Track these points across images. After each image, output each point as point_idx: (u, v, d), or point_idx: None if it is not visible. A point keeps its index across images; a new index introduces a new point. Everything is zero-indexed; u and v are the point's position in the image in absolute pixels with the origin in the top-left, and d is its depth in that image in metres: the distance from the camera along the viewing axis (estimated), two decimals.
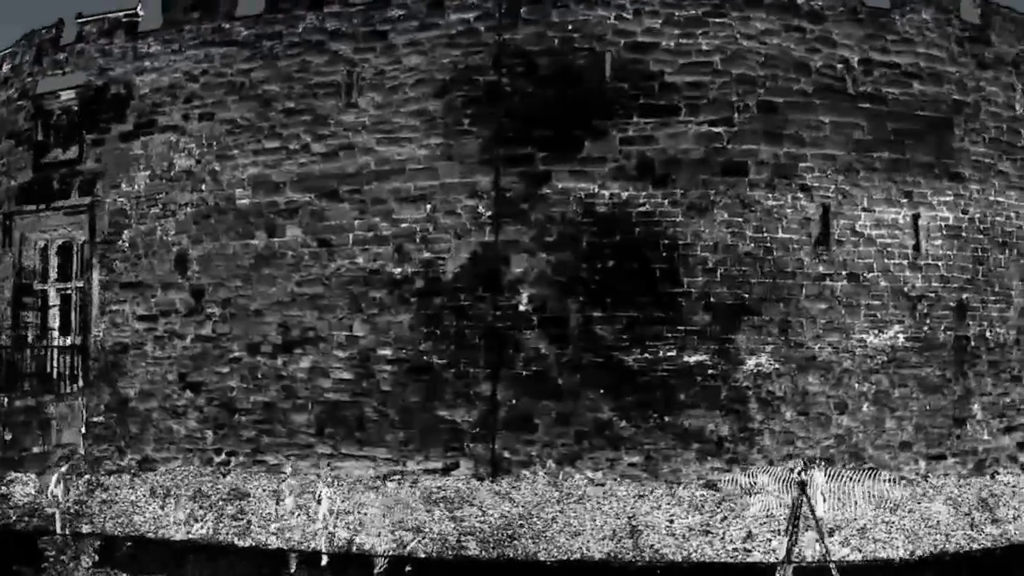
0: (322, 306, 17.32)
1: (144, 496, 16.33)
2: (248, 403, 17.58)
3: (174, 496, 16.16)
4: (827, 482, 14.62)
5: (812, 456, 16.49)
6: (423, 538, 14.50)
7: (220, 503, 15.59)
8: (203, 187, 18.31)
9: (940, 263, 17.89)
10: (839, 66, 17.34)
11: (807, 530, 13.34)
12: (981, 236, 18.43)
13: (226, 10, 18.46)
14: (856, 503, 14.57)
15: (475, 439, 16.27)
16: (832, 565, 12.37)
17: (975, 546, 15.04)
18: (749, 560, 14.11)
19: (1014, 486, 17.26)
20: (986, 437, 18.03)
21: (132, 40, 19.21)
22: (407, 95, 17.17)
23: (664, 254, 16.43)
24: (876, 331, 17.17)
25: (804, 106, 17.03)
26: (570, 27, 16.74)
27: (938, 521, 15.16)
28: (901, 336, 17.38)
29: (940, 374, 17.63)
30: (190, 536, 15.33)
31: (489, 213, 16.62)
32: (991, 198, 18.64)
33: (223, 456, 17.64)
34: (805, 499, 12.53)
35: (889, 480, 15.41)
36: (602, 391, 16.21)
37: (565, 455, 16.10)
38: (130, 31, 19.28)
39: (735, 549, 14.22)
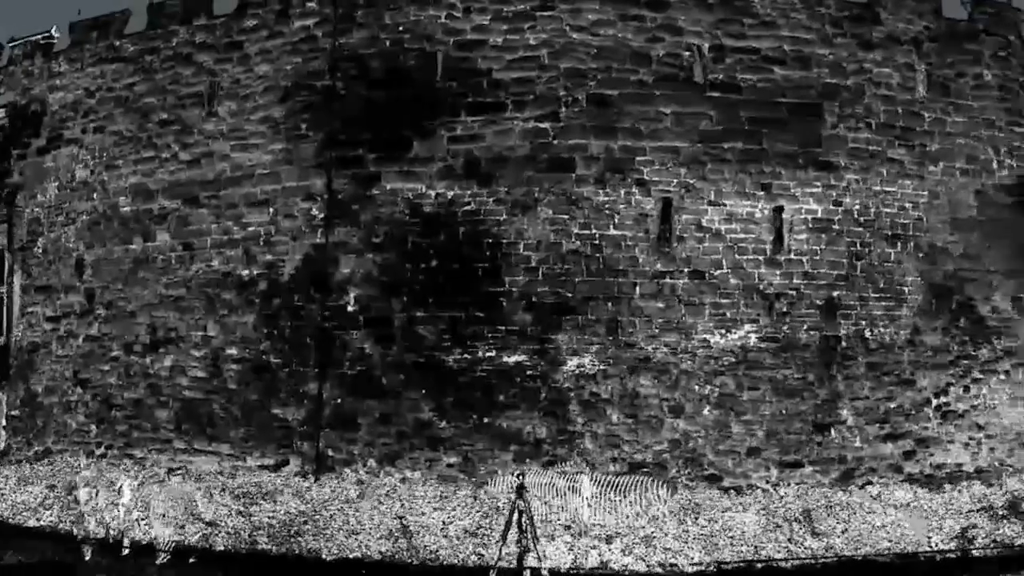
0: (183, 307, 18.09)
1: (12, 485, 17.61)
2: (122, 399, 18.58)
3: (37, 485, 17.36)
4: (595, 489, 14.11)
5: (642, 460, 15.92)
6: (219, 531, 14.99)
7: (63, 493, 16.63)
8: (95, 196, 19.49)
9: (805, 259, 16.81)
10: (686, 54, 16.61)
11: (552, 535, 12.99)
12: (861, 229, 17.18)
13: (117, 28, 19.57)
14: (625, 512, 13.99)
15: (303, 437, 16.61)
16: (544, 571, 12.01)
17: (793, 560, 14.20)
18: (525, 565, 13.85)
19: (877, 496, 16.02)
20: (858, 444, 16.77)
21: (47, 61, 20.64)
22: (257, 103, 17.71)
23: (487, 253, 16.24)
24: (723, 331, 16.34)
25: (642, 98, 16.42)
26: (401, 28, 16.81)
27: (743, 532, 14.33)
28: (753, 336, 16.45)
29: (800, 377, 16.57)
30: (40, 523, 16.46)
31: (322, 215, 16.93)
32: (876, 188, 17.33)
33: (102, 449, 18.71)
34: (523, 503, 12.21)
35: (661, 488, 14.65)
36: (424, 391, 16.20)
37: (386, 454, 16.19)
38: (46, 53, 20.73)
39: (508, 554, 13.96)
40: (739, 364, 16.37)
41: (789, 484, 16.06)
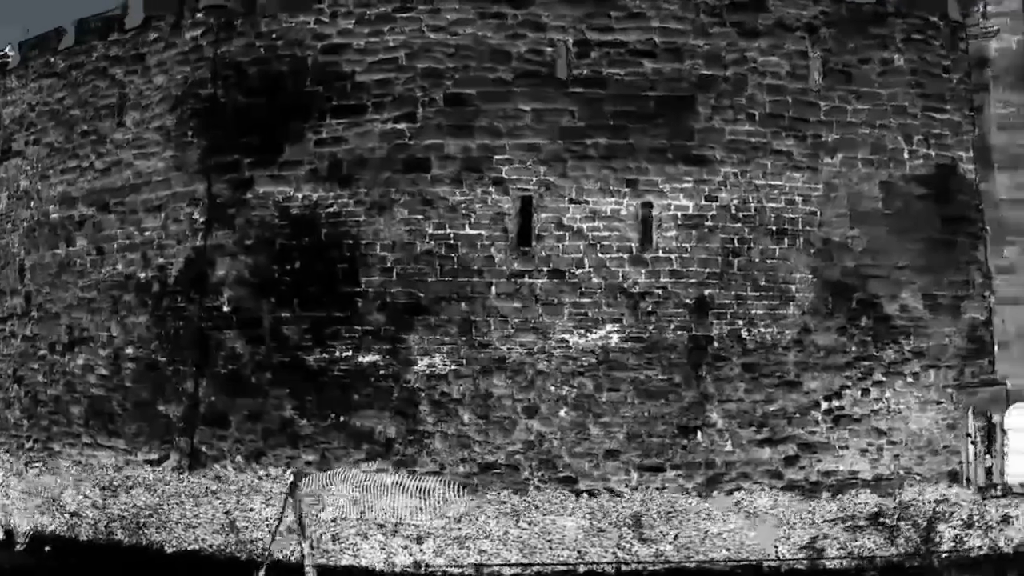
0: (94, 309, 19.00)
1: None
2: (46, 396, 19.67)
3: None
4: (397, 488, 14.09)
5: (494, 461, 15.80)
6: (82, 522, 15.76)
7: None
8: (32, 204, 20.69)
9: (673, 256, 16.29)
10: (549, 50, 16.37)
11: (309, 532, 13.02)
12: (739, 224, 16.52)
13: (53, 46, 20.71)
14: (427, 512, 13.93)
15: (181, 433, 17.20)
16: (309, 568, 12.12)
17: (622, 566, 13.88)
18: (343, 563, 14.02)
19: (736, 503, 15.38)
20: (729, 449, 16.12)
21: (2, 78, 22.04)
22: (154, 112, 18.44)
23: (347, 254, 16.44)
24: (583, 331, 16.02)
25: (501, 96, 16.28)
26: (274, 35, 17.19)
27: (563, 536, 14.05)
28: (615, 336, 16.07)
29: (665, 378, 16.07)
30: None
31: (202, 219, 17.49)
32: (759, 181, 16.63)
33: (30, 443, 19.86)
34: (293, 501, 12.37)
35: (460, 489, 14.45)
36: (288, 390, 16.52)
37: (252, 451, 16.59)
38: (2, 71, 22.13)
39: (326, 550, 14.14)
40: (599, 365, 16.01)
41: (647, 488, 15.66)
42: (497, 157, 16.23)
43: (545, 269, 16.11)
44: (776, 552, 14.33)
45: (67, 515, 15.73)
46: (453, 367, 15.96)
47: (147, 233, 18.28)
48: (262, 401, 16.67)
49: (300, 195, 16.77)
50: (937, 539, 14.84)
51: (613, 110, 16.31)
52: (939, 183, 17.83)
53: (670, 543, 14.14)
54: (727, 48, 16.68)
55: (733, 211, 16.53)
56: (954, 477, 17.31)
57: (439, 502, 14.21)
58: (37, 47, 21.12)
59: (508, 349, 15.96)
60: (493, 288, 16.08)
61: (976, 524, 15.35)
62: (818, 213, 16.95)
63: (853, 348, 16.96)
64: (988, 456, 18.05)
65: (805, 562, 14.26)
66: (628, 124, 16.30)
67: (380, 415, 16.01)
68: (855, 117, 17.29)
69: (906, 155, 17.57)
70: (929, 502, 15.88)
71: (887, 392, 17.08)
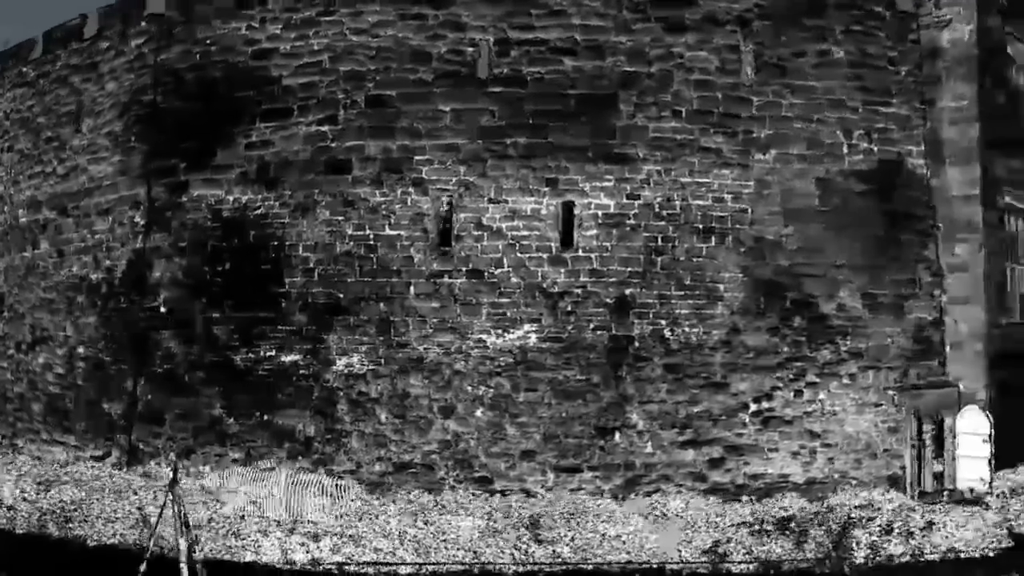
0: (54, 309, 19.64)
1: None
2: (12, 393, 20.39)
3: None
4: (288, 486, 14.21)
5: (409, 461, 15.86)
6: (17, 515, 16.26)
7: None
8: (5, 209, 21.47)
9: (594, 256, 16.13)
10: (469, 50, 16.37)
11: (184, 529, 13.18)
12: (663, 223, 16.28)
13: (24, 56, 21.46)
14: (311, 510, 14.02)
15: (122, 430, 17.67)
16: (183, 565, 12.30)
17: (516, 566, 13.80)
18: (247, 559, 14.20)
19: (651, 505, 15.13)
20: (649, 450, 15.89)
21: None
22: (106, 118, 18.97)
23: (273, 255, 16.67)
24: (500, 331, 15.97)
25: (421, 96, 16.33)
26: (209, 42, 17.52)
27: (458, 536, 14.02)
28: (534, 336, 15.98)
29: (583, 378, 15.92)
30: None
31: (143, 222, 17.92)
32: (685, 179, 16.36)
33: None
34: (173, 496, 12.57)
35: (344, 488, 14.47)
36: (218, 389, 16.83)
37: (184, 449, 16.94)
38: None
39: (229, 547, 14.34)
40: (517, 365, 15.94)
41: (562, 489, 15.55)
42: (417, 158, 16.29)
43: (464, 269, 16.12)
44: (679, 555, 14.07)
45: (4, 508, 16.30)
46: (371, 367, 16.07)
47: (97, 236, 18.83)
48: (194, 400, 17.02)
49: (231, 198, 17.08)
50: (851, 545, 14.39)
51: (533, 109, 16.23)
52: (882, 179, 17.31)
53: (567, 544, 14.00)
54: (652, 44, 16.45)
55: (657, 209, 16.29)
56: (894, 482, 16.82)
57: (331, 500, 14.32)
58: (12, 57, 21.91)
59: (425, 349, 16.01)
60: (412, 288, 16.15)
61: (897, 531, 14.82)
62: (749, 211, 16.61)
63: (786, 348, 16.57)
64: (938, 460, 17.52)
65: (708, 566, 13.98)
66: (548, 123, 16.20)
67: (301, 414, 16.22)
68: (790, 112, 16.89)
69: (845, 150, 17.10)
70: (856, 507, 15.41)
71: (821, 394, 16.65)
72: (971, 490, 16.98)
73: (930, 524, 14.90)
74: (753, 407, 16.33)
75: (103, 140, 18.94)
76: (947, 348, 17.70)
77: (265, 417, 16.43)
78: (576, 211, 16.18)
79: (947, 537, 14.86)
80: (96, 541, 15.25)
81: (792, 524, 14.51)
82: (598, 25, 16.37)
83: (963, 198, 17.78)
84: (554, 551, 13.95)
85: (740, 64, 16.75)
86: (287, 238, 16.61)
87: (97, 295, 18.70)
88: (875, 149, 17.33)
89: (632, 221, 16.22)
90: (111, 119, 18.81)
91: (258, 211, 16.87)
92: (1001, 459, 17.54)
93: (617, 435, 15.87)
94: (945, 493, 16.89)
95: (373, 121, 16.39)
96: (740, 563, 13.90)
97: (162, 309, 17.49)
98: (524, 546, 14.00)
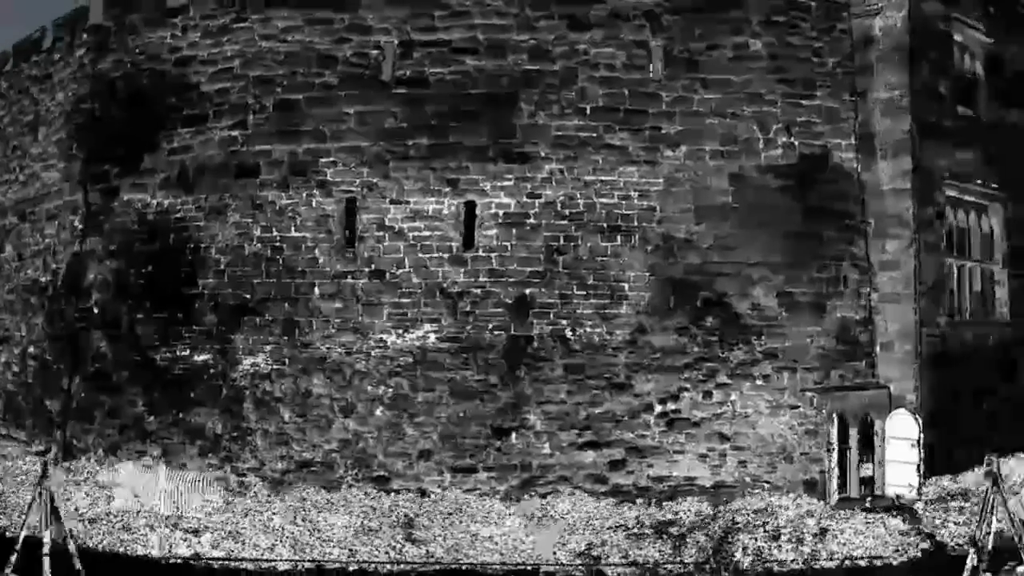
0: (14, 310, 20.52)
1: None
2: None
3: None
4: (169, 482, 14.53)
5: (310, 459, 16.06)
6: None
7: None
8: None
9: (494, 255, 16.06)
10: (374, 53, 16.48)
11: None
12: (565, 222, 16.10)
13: (0, 67, 22.47)
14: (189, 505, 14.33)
15: (59, 427, 18.35)
16: (46, 556, 12.73)
17: (394, 567, 13.89)
18: (138, 552, 14.63)
19: (543, 506, 15.01)
20: (547, 451, 15.73)
21: None
22: (56, 126, 19.73)
23: (189, 257, 17.06)
24: (401, 331, 16.04)
25: (327, 100, 16.50)
26: (139, 51, 18.05)
27: (332, 534, 14.14)
28: (433, 336, 16.00)
29: (481, 379, 15.87)
30: None
31: (81, 227, 18.57)
32: (588, 177, 16.15)
33: None
34: (45, 489, 13.03)
35: (213, 485, 14.68)
36: (140, 387, 17.32)
37: (111, 445, 17.50)
38: None
39: (122, 540, 14.78)
40: (416, 365, 16.00)
41: (458, 489, 15.55)
42: (323, 160, 16.48)
43: (367, 270, 16.25)
44: (555, 557, 13.92)
45: None
46: (276, 366, 16.33)
47: (47, 240, 19.61)
48: (120, 398, 17.57)
49: (155, 202, 17.57)
50: (732, 551, 13.98)
51: (435, 110, 16.26)
52: (803, 174, 16.77)
53: (440, 544, 13.98)
54: (555, 42, 16.30)
55: (559, 208, 16.14)
56: (812, 487, 16.28)
57: (197, 495, 14.64)
58: None
59: (328, 349, 16.19)
60: (316, 289, 16.35)
61: (787, 536, 14.32)
62: (657, 208, 16.31)
63: (695, 349, 16.22)
64: (866, 465, 16.90)
65: (582, 568, 13.78)
66: (449, 123, 16.20)
67: (211, 412, 16.58)
68: (702, 107, 16.52)
69: (761, 145, 16.63)
70: (755, 512, 14.97)
71: (733, 395, 16.24)
72: (898, 497, 16.36)
73: (824, 531, 14.42)
74: (658, 408, 16.02)
75: (52, 148, 19.72)
76: (877, 349, 17.09)
77: (180, 415, 16.86)
78: (477, 211, 16.16)
79: (843, 544, 14.37)
80: (13, 533, 15.96)
81: (672, 528, 14.22)
82: (500, 24, 16.31)
83: (893, 192, 17.11)
84: (427, 551, 13.98)
85: (649, 59, 16.46)
86: (201, 240, 17.01)
87: (44, 296, 19.47)
88: (795, 143, 16.80)
89: (532, 220, 16.10)
90: (59, 127, 19.57)
91: (177, 214, 17.33)
92: (938, 465, 16.89)
93: (513, 436, 15.78)
94: (869, 500, 16.29)
95: (280, 125, 16.65)
96: (616, 566, 13.71)
97: (95, 310, 18.11)
98: (399, 545, 14.07)
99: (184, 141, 17.38)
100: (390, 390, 16.00)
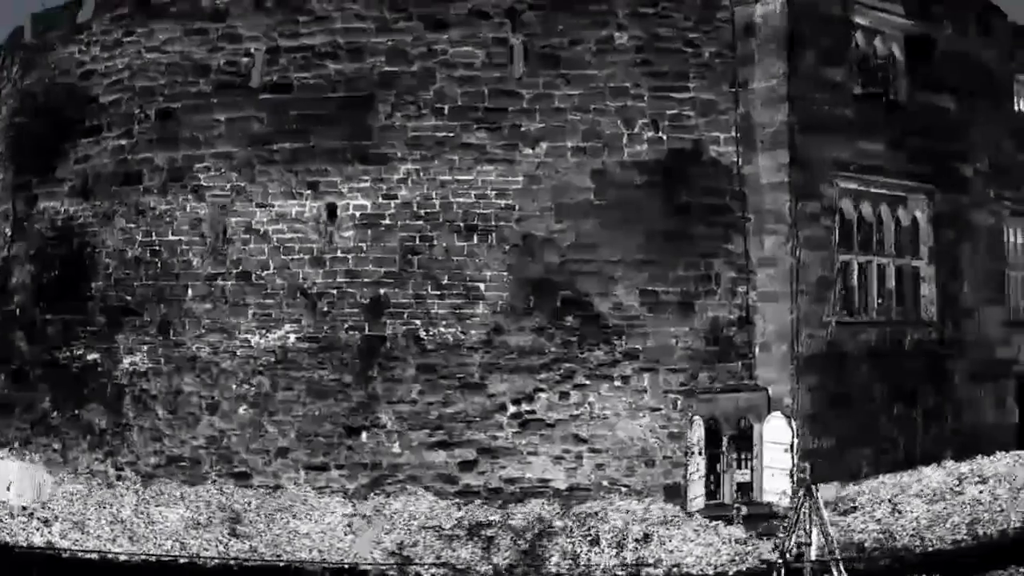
0: None
1: None
2: None
3: None
4: (18, 474, 15.26)
5: (180, 455, 16.62)
6: None
7: None
8: None
9: (350, 256, 16.23)
10: (244, 60, 16.92)
11: None
12: (421, 222, 16.12)
13: None
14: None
15: None
16: None
17: (221, 561, 14.31)
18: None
19: (383, 505, 15.08)
20: (397, 451, 15.78)
21: None
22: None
23: (87, 262, 17.93)
24: (264, 331, 16.42)
25: (202, 107, 17.04)
26: (54, 66, 19.09)
27: (165, 527, 14.60)
28: (293, 336, 16.31)
29: (336, 378, 16.07)
30: None
31: (9, 233, 19.75)
32: (444, 177, 16.13)
33: None
34: None
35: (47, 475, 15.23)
36: (48, 385, 18.30)
37: (24, 439, 18.53)
38: None
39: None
40: (278, 364, 16.34)
41: (311, 485, 15.81)
42: (197, 166, 17.02)
43: (235, 272, 16.69)
44: (371, 556, 13.98)
45: None
46: (152, 365, 16.99)
47: None
48: (34, 394, 18.62)
49: (64, 209, 18.55)
50: (544, 554, 13.69)
51: (298, 114, 16.56)
52: (671, 169, 16.27)
53: (262, 540, 14.26)
54: (413, 43, 16.35)
55: (415, 208, 16.18)
56: (675, 492, 15.77)
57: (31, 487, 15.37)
58: None
59: (198, 348, 16.73)
60: (189, 291, 16.91)
61: (608, 543, 13.90)
62: (516, 207, 16.15)
63: (553, 349, 15.97)
64: (745, 471, 16.25)
65: (396, 568, 13.78)
66: (310, 127, 16.48)
67: (98, 408, 17.37)
68: (564, 103, 16.26)
69: (625, 140, 16.22)
70: (590, 515, 14.62)
71: (591, 396, 15.91)
72: (769, 504, 15.70)
73: (647, 537, 13.98)
74: (512, 409, 15.86)
75: None
76: (756, 349, 16.40)
77: (76, 411, 17.75)
78: (337, 212, 16.39)
79: (671, 552, 13.90)
80: None
81: (484, 530, 14.06)
82: (359, 27, 16.48)
83: (771, 186, 16.38)
84: (251, 546, 14.30)
85: (510, 57, 16.30)
86: (96, 245, 17.86)
87: None
88: (664, 138, 16.32)
89: (388, 221, 16.21)
90: (1, 140, 20.92)
91: (79, 221, 18.25)
92: (820, 472, 16.07)
93: (364, 435, 15.93)
94: (744, 506, 15.65)
95: (161, 133, 17.31)
96: (429, 566, 13.69)
97: (16, 311, 19.26)
98: (225, 540, 14.45)
99: (85, 151, 18.28)
100: (253, 389, 16.41)
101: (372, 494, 15.59)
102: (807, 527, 12.92)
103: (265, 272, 16.58)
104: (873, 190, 17.51)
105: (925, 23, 18.54)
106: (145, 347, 17.09)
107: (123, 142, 17.66)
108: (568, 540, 13.94)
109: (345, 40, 16.52)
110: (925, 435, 18.04)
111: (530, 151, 16.18)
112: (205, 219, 16.95)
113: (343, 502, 15.27)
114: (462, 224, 16.14)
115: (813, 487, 13.36)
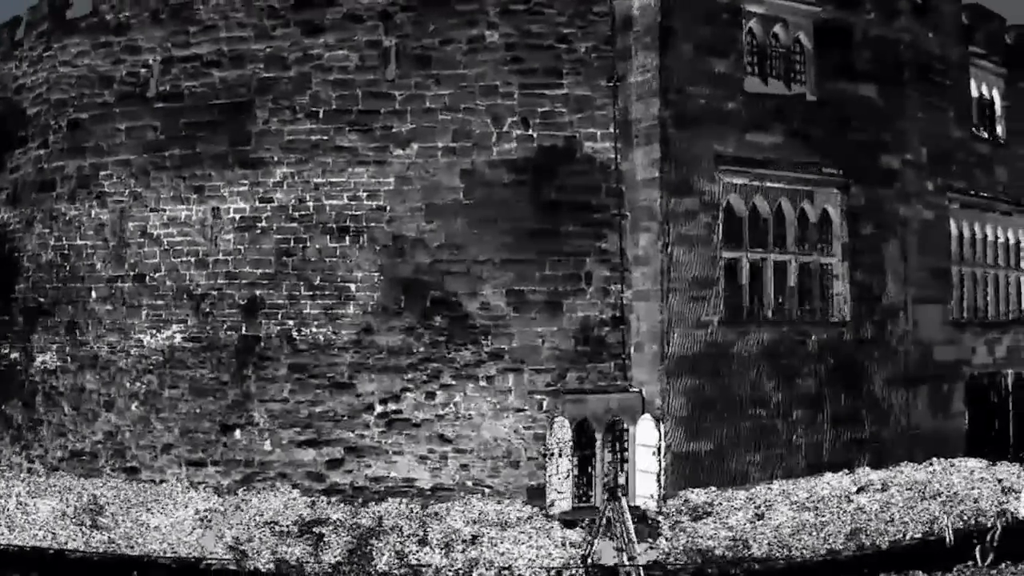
0: None
1: None
2: None
3: None
4: None
5: (81, 449, 17.37)
6: None
7: None
8: None
9: (230, 258, 16.64)
10: (142, 71, 17.57)
11: None
12: (295, 224, 16.40)
13: None
14: None
15: None
16: None
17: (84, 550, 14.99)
18: None
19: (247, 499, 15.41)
20: (268, 448, 16.07)
21: None
22: None
23: (13, 266, 18.94)
24: (155, 331, 17.01)
25: (106, 117, 17.78)
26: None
27: (36, 518, 15.31)
28: (179, 336, 16.84)
29: (214, 376, 16.51)
30: None
31: None
32: (318, 180, 16.36)
33: None
34: None
35: None
36: None
37: None
38: None
39: None
40: (166, 363, 16.91)
41: (191, 480, 16.30)
42: (102, 173, 17.79)
43: (132, 274, 17.36)
44: (215, 551, 14.29)
45: None
46: (60, 363, 17.83)
47: None
48: None
49: (2, 216, 19.69)
50: (371, 552, 13.68)
51: (187, 121, 17.09)
52: (541, 167, 16.04)
53: (118, 532, 14.78)
54: (291, 48, 16.64)
55: (290, 211, 16.47)
56: (540, 493, 15.55)
57: None
58: None
59: (99, 348, 17.48)
60: (93, 292, 17.69)
61: (438, 542, 13.78)
62: (387, 208, 16.24)
63: (421, 349, 15.99)
64: (621, 473, 15.90)
65: (234, 563, 14.06)
66: (197, 134, 16.98)
67: (18, 405, 18.37)
68: (435, 103, 16.25)
69: (494, 139, 16.09)
70: (429, 515, 14.57)
71: (457, 396, 15.85)
72: (638, 508, 15.33)
73: (474, 538, 13.86)
74: (379, 408, 15.96)
75: None
76: (631, 350, 16.01)
77: (2, 407, 18.82)
78: (220, 216, 16.83)
79: (503, 554, 13.75)
80: None
81: (318, 528, 14.20)
82: (241, 36, 16.88)
83: (645, 182, 15.95)
84: (109, 537, 14.87)
85: (384, 59, 16.41)
86: (20, 249, 18.89)
87: None
88: (534, 135, 16.11)
89: (264, 224, 16.55)
90: None
91: (10, 228, 19.32)
92: (693, 476, 15.65)
93: (238, 432, 16.31)
94: (610, 510, 15.30)
95: (71, 143, 18.15)
96: (265, 563, 13.96)
97: None
98: (87, 531, 15.06)
99: (17, 161, 19.35)
100: (143, 387, 17.04)
101: (242, 490, 16.00)
102: (616, 532, 12.62)
103: (157, 274, 17.19)
104: (769, 184, 16.82)
105: (840, 9, 17.70)
106: (55, 346, 17.97)
107: (41, 152, 18.62)
108: (399, 540, 13.99)
109: (229, 48, 16.97)
110: (835, 441, 17.21)
111: (401, 152, 16.26)
112: (107, 224, 17.70)
113: (206, 497, 15.71)
114: (335, 226, 16.35)
115: (619, 491, 13.03)
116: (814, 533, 14.64)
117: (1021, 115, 21.61)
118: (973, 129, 20.40)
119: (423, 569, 13.52)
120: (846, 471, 16.91)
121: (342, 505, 15.37)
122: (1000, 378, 20.69)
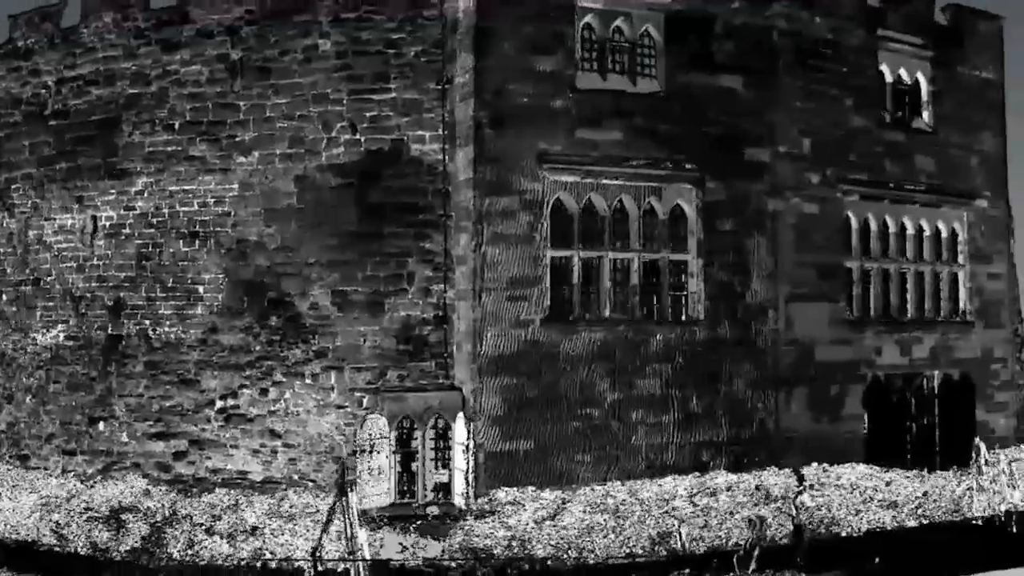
0: None
1: None
2: None
3: None
4: None
5: None
6: None
7: None
8: None
9: (101, 263, 17.85)
10: (43, 92, 19.06)
11: None
12: (153, 230, 17.46)
13: None
14: None
15: None
16: None
17: None
18: None
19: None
20: (125, 439, 17.15)
21: None
22: None
23: None
24: (45, 330, 18.45)
25: (14, 135, 19.40)
26: None
27: None
28: (62, 335, 18.22)
29: (86, 372, 17.75)
30: None
31: None
32: (173, 188, 17.37)
33: None
34: None
35: None
36: None
37: None
38: None
39: None
40: (53, 360, 18.33)
41: (65, 468, 17.63)
42: (13, 187, 19.44)
43: (31, 278, 18.92)
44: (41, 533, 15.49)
45: None
46: None
47: None
48: None
49: None
50: (164, 541, 14.40)
51: (71, 136, 18.46)
52: (366, 170, 16.42)
53: None
54: (152, 65, 17.69)
55: (149, 218, 17.54)
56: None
57: None
58: None
59: (5, 345, 19.12)
60: (3, 295, 19.36)
61: (228, 532, 14.36)
62: (232, 213, 17.05)
63: (258, 348, 16.71)
64: (443, 471, 16.09)
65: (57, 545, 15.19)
66: (79, 148, 18.33)
67: None
68: (274, 112, 16.93)
69: (324, 144, 16.58)
70: (226, 507, 15.23)
71: (287, 393, 16.47)
72: (455, 505, 15.51)
73: (255, 529, 14.42)
74: (220, 404, 16.79)
75: None
76: (453, 349, 16.14)
77: None
78: (96, 224, 18.10)
79: (282, 545, 14.28)
80: None
81: (121, 515, 15.10)
82: (113, 55, 18.09)
83: (464, 183, 16.05)
84: None
85: (232, 72, 17.21)
86: None
87: None
88: (361, 139, 16.51)
89: (127, 230, 17.69)
90: None
91: None
92: (508, 476, 15.67)
93: (102, 424, 17.51)
94: (436, 507, 15.60)
95: None
96: (82, 547, 15.04)
97: None
98: None
99: None
100: (36, 382, 18.56)
101: (100, 478, 17.18)
102: (338, 524, 12.92)
103: (49, 278, 18.68)
104: (606, 181, 16.54)
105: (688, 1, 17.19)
106: None
107: None
108: (189, 528, 14.74)
109: (104, 67, 18.22)
110: (685, 443, 16.72)
111: (244, 159, 17.03)
112: (15, 233, 19.36)
113: (63, 484, 16.96)
114: (187, 231, 17.30)
115: (347, 488, 13.30)
116: (610, 535, 14.43)
117: (955, 99, 20.19)
118: (884, 116, 19.25)
119: (215, 558, 14.24)
120: (697, 474, 16.42)
121: (173, 495, 16.29)
122: (921, 380, 19.41)
